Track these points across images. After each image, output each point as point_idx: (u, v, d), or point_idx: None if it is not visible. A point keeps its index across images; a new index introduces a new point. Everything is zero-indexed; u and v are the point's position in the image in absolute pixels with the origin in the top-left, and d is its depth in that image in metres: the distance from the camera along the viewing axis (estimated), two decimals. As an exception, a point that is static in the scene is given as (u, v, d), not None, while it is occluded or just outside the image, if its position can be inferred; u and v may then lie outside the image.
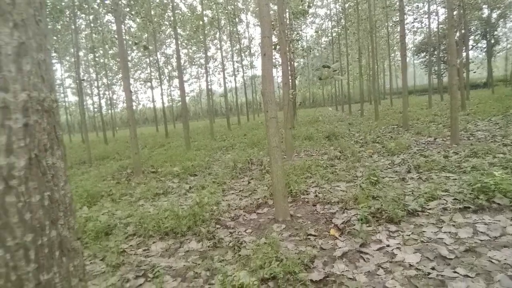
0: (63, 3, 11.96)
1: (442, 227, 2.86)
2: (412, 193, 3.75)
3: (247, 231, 3.31)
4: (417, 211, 3.21)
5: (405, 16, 12.41)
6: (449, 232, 2.76)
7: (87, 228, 3.54)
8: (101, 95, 26.37)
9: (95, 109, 29.80)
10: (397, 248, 2.60)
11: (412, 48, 33.65)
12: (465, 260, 2.32)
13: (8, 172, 0.88)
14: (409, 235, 2.78)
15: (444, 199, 3.45)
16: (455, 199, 3.41)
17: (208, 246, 2.99)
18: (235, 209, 4.00)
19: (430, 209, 3.27)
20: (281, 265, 2.38)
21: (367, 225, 3.06)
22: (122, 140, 17.21)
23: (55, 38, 16.18)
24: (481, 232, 2.70)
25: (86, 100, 34.06)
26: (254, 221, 3.58)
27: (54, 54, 19.37)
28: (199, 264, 2.68)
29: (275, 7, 10.12)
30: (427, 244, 2.61)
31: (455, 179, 4.13)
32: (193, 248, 3.01)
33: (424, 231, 2.83)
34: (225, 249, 2.91)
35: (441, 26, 22.33)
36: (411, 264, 2.35)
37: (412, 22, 24.21)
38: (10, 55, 0.91)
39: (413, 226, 2.97)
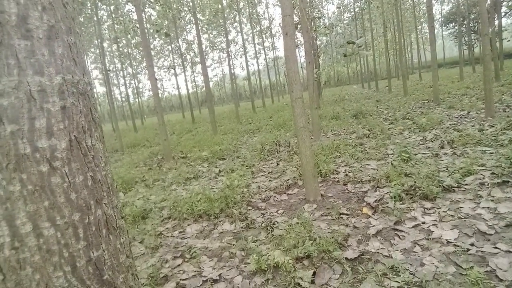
0: (85, -5, 12.12)
1: (480, 203, 2.76)
2: (447, 169, 3.62)
3: (278, 211, 3.33)
4: (453, 187, 3.11)
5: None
6: (488, 208, 2.66)
7: (124, 213, 3.66)
8: (128, 85, 26.88)
9: (123, 99, 30.51)
10: (434, 225, 2.54)
11: (440, 19, 32.05)
12: (506, 235, 2.23)
13: (51, 153, 0.91)
14: (446, 212, 2.71)
15: (481, 174, 3.31)
16: (492, 173, 3.27)
17: (241, 227, 3.03)
18: (265, 190, 4.01)
19: (466, 184, 3.15)
20: (315, 244, 2.38)
21: (401, 202, 3.00)
22: (151, 128, 17.56)
23: (78, 31, 16.49)
24: (523, 206, 2.58)
25: (114, 90, 34.93)
26: (285, 201, 3.59)
27: (80, 46, 19.75)
28: (233, 245, 2.72)
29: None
30: (465, 220, 2.53)
31: (492, 153, 3.95)
32: (227, 230, 3.06)
33: (461, 207, 2.74)
34: (258, 230, 2.94)
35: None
36: (449, 240, 2.29)
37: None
38: (42, 39, 0.92)
39: (449, 202, 2.88)
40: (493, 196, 2.82)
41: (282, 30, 3.29)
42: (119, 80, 29.03)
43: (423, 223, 2.60)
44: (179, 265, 2.54)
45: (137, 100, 28.18)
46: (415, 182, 3.22)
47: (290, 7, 3.24)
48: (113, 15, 16.67)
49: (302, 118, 3.34)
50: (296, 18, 11.06)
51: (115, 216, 1.11)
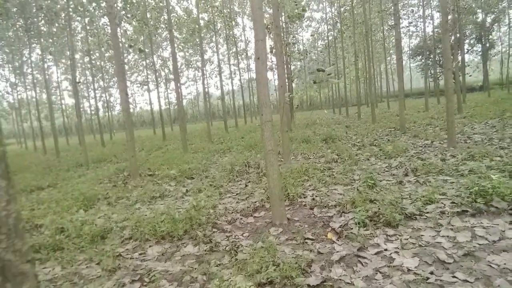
0: (58, 6, 11.90)
1: (440, 231, 2.84)
2: (410, 197, 3.73)
3: (244, 234, 3.28)
4: (414, 215, 3.19)
5: (400, 20, 12.45)
6: (448, 236, 2.74)
7: (83, 231, 3.49)
8: (98, 98, 26.28)
9: (92, 112, 29.72)
10: (395, 252, 2.58)
11: (408, 52, 33.78)
12: (464, 264, 2.30)
13: None
14: (407, 239, 2.76)
15: (442, 203, 3.43)
16: (453, 202, 3.39)
17: (205, 250, 2.96)
18: (232, 212, 3.97)
19: (428, 212, 3.25)
20: (278, 269, 2.36)
21: (365, 228, 3.03)
22: (119, 143, 17.13)
23: (50, 40, 16.13)
24: (480, 236, 2.68)
25: (83, 103, 34.04)
26: (251, 224, 3.55)
27: (49, 57, 19.31)
28: (195, 269, 2.64)
29: (271, 11, 10.12)
30: (425, 248, 2.59)
31: (453, 182, 4.12)
32: (190, 252, 2.98)
33: (422, 235, 2.81)
34: (222, 253, 2.88)
35: (437, 29, 22.42)
36: (410, 268, 2.33)
37: (407, 26, 24.28)
38: None
39: (411, 230, 2.94)
40: (452, 225, 2.92)
41: (255, 54, 3.33)
42: (89, 93, 28.33)
43: (385, 250, 2.64)
44: (136, 289, 2.43)
45: (107, 113, 27.54)
46: (379, 209, 3.29)
47: (263, 32, 3.31)
48: (88, 28, 16.46)
49: (270, 141, 3.36)
50: (271, 42, 11.30)
51: (16, 261, 1.01)
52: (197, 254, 2.92)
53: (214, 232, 3.39)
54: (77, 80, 16.73)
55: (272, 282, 2.26)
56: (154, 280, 2.47)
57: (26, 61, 18.10)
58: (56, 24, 14.31)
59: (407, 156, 6.04)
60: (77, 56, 22.85)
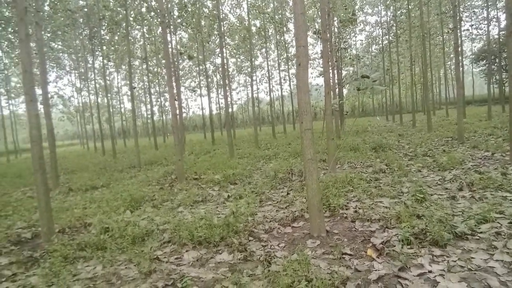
0: (120, 16, 12.71)
1: (494, 254, 2.57)
2: (462, 214, 3.43)
3: (280, 245, 3.21)
4: (466, 235, 2.92)
5: (462, 22, 11.67)
6: (502, 261, 2.47)
7: (125, 232, 3.64)
8: (154, 102, 27.62)
9: (148, 116, 31.31)
10: (441, 275, 2.37)
11: (471, 56, 31.58)
12: (520, 295, 2.05)
13: None
14: (455, 261, 2.53)
15: (499, 222, 3.11)
16: (510, 222, 3.06)
17: (239, 259, 2.94)
18: (270, 221, 3.91)
19: (481, 232, 2.96)
20: (310, 285, 2.27)
21: (409, 247, 2.83)
22: (171, 146, 17.81)
23: (112, 48, 17.29)
24: (542, 263, 2.38)
25: (140, 107, 36.02)
26: (288, 235, 3.48)
27: (111, 63, 20.69)
28: (227, 277, 2.63)
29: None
30: (475, 273, 2.35)
31: (514, 200, 3.73)
32: (224, 260, 2.97)
33: (472, 258, 2.56)
34: (255, 263, 2.84)
35: (502, 32, 20.74)
36: (456, 294, 2.13)
37: (468, 29, 22.61)
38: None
39: (460, 251, 2.70)
40: (509, 248, 2.63)
41: (296, 60, 3.28)
42: (146, 98, 29.89)
43: (430, 271, 2.44)
44: (168, 294, 2.47)
45: (161, 117, 28.85)
46: (426, 226, 3.06)
47: (305, 38, 3.24)
48: (146, 35, 17.41)
49: (310, 149, 3.27)
50: (321, 47, 11.13)
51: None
52: (231, 262, 2.91)
53: (250, 240, 3.36)
54: (133, 86, 17.72)
55: (302, 298, 2.18)
56: (186, 286, 2.49)
57: (90, 67, 19.52)
58: (118, 33, 15.30)
59: (463, 168, 5.60)
60: (136, 63, 24.22)
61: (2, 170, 12.64)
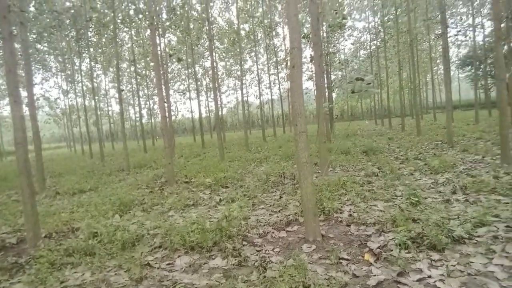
0: (107, 18, 12.53)
1: (493, 259, 2.53)
2: (458, 217, 3.40)
3: (275, 250, 3.14)
4: (463, 238, 2.89)
5: (448, 29, 11.81)
6: (502, 265, 2.43)
7: (115, 237, 3.52)
8: (142, 105, 27.30)
9: (137, 118, 30.92)
10: (440, 280, 2.32)
11: (456, 62, 32.13)
12: (522, 299, 2.02)
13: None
14: (454, 266, 2.49)
15: (495, 226, 3.09)
16: (507, 226, 3.04)
17: (233, 264, 2.85)
18: (264, 225, 3.83)
19: (478, 236, 2.93)
20: (308, 291, 2.19)
21: (406, 251, 2.79)
22: (161, 149, 17.59)
23: (100, 50, 17.04)
24: (541, 267, 2.36)
25: (129, 110, 35.57)
26: (283, 239, 3.40)
27: (98, 65, 20.39)
28: (222, 284, 2.53)
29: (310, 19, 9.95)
30: (475, 278, 2.31)
31: (507, 203, 3.72)
32: (218, 265, 2.88)
33: (471, 262, 2.52)
34: (250, 269, 2.76)
35: (487, 39, 21.11)
36: (457, 300, 2.08)
37: (456, 35, 22.98)
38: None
39: (458, 255, 2.66)
40: (508, 252, 2.60)
41: (290, 62, 3.22)
42: (134, 100, 29.52)
43: (429, 276, 2.39)
44: (161, 302, 2.37)
45: (150, 120, 28.53)
46: (423, 230, 3.02)
47: (299, 40, 3.19)
48: (134, 38, 17.21)
49: (305, 152, 3.21)
50: (311, 52, 11.13)
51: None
52: (225, 268, 2.82)
53: (244, 245, 3.27)
54: (121, 88, 17.45)
55: (301, 305, 2.10)
56: (179, 294, 2.39)
57: (77, 69, 19.19)
58: (105, 35, 15.09)
59: (455, 172, 5.62)
60: (124, 65, 23.93)
61: (-15, 174, 12.27)
